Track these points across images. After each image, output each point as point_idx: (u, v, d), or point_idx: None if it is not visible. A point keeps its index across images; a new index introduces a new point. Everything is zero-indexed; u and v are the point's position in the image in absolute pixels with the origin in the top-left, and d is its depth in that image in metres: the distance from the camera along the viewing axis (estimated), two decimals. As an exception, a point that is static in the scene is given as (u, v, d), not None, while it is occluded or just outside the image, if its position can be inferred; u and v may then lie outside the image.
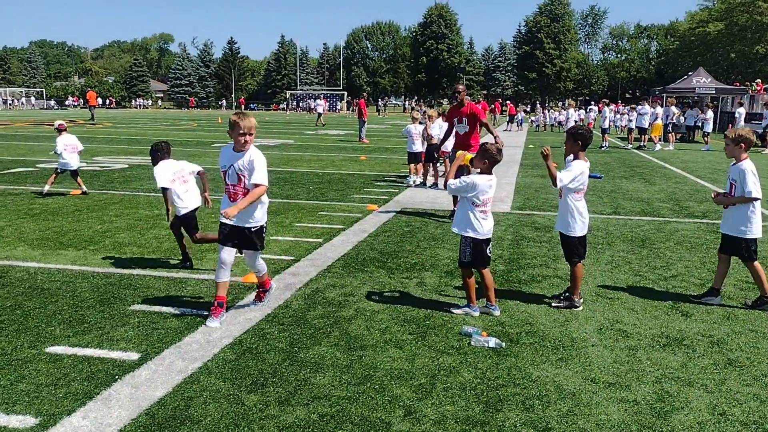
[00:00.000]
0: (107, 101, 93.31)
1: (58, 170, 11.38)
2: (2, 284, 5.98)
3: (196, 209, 6.66)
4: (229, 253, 5.16)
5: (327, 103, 44.79)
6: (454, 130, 10.09)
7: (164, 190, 6.51)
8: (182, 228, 6.67)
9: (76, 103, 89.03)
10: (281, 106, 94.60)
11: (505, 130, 37.96)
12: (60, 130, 11.46)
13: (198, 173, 6.88)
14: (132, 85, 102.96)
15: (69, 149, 11.40)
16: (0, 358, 4.32)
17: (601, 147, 25.02)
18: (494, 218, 9.64)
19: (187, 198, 6.57)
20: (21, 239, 7.79)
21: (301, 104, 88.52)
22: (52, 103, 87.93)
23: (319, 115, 42.96)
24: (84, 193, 11.37)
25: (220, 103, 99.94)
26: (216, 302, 5.15)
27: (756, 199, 5.65)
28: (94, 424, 3.50)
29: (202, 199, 6.75)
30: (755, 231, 5.72)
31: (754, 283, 5.89)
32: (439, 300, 5.82)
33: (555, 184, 5.50)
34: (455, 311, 5.47)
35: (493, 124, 40.75)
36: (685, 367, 4.42)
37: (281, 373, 4.21)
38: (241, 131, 4.96)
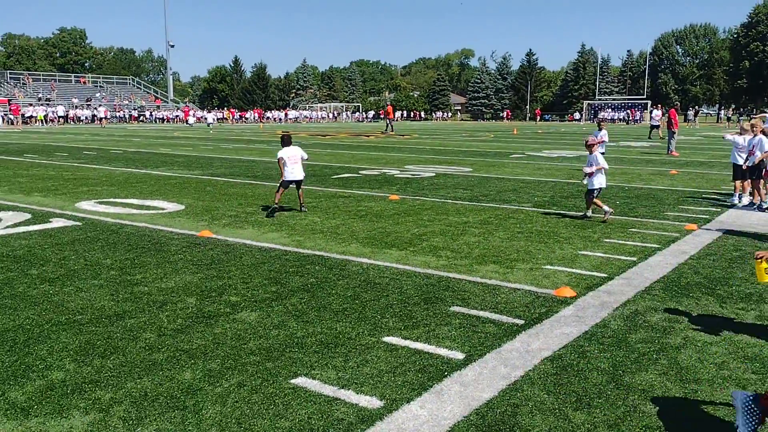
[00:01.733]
0: (410, 114, 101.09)
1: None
2: (342, 276, 6.80)
3: (297, 181, 10.64)
4: None
5: (662, 114, 39.90)
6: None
7: (279, 159, 10.49)
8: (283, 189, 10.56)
9: (382, 116, 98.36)
10: (575, 116, 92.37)
11: None
12: (590, 146, 10.39)
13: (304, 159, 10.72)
14: (434, 98, 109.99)
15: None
16: (347, 342, 4.90)
17: None
18: None
19: (293, 171, 10.51)
20: (353, 237, 8.79)
21: (599, 114, 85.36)
22: (371, 114, 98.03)
23: (653, 127, 36.77)
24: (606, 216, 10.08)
25: (501, 114, 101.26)
26: None
27: None
28: (430, 414, 3.76)
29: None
30: None
31: None
32: (788, 339, 5.05)
33: None
34: None
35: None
36: None
37: (607, 395, 4.04)
38: None
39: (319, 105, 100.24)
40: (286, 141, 10.67)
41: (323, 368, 4.39)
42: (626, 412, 3.82)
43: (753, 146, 11.82)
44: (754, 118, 13.12)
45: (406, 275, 6.85)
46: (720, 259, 7.72)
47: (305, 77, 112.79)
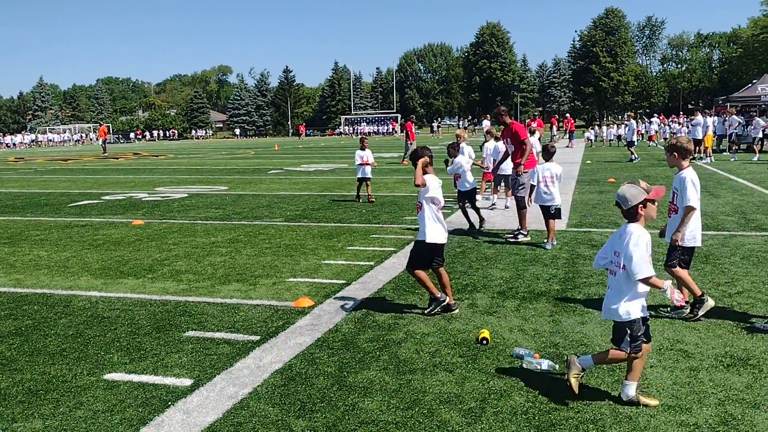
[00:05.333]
0: (168, 133, 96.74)
1: None
2: (65, 313, 6.21)
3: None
4: None
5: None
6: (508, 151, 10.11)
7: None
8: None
9: (140, 137, 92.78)
10: (337, 131, 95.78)
11: (566, 146, 37.33)
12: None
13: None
14: (193, 116, 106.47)
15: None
16: (60, 385, 4.47)
17: (631, 160, 24.74)
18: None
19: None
20: (84, 269, 8.10)
21: (356, 129, 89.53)
22: (120, 137, 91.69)
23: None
24: None
25: (235, 132, 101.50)
26: None
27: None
28: (146, 449, 3.57)
29: None
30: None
31: None
32: (491, 321, 5.72)
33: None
34: None
35: (552, 140, 40.25)
36: (751, 388, 4.19)
37: (329, 397, 4.21)
38: None
39: (63, 126, 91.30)
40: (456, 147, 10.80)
41: (28, 419, 3.94)
42: (345, 411, 4.00)
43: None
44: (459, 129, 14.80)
45: (140, 304, 6.47)
46: (445, 255, 8.48)
47: (43, 97, 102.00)
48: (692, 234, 5.72)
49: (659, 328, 5.43)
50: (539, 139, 17.89)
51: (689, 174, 5.65)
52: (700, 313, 5.61)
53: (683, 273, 5.73)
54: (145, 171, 26.69)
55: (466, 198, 10.53)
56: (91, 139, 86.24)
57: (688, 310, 5.69)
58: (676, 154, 5.72)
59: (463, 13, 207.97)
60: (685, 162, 5.72)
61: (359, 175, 14.43)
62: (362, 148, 14.53)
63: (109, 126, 66.63)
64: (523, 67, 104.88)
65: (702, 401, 4.02)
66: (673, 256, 5.75)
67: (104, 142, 45.90)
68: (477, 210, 10.48)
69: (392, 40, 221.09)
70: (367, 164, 14.23)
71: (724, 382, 4.30)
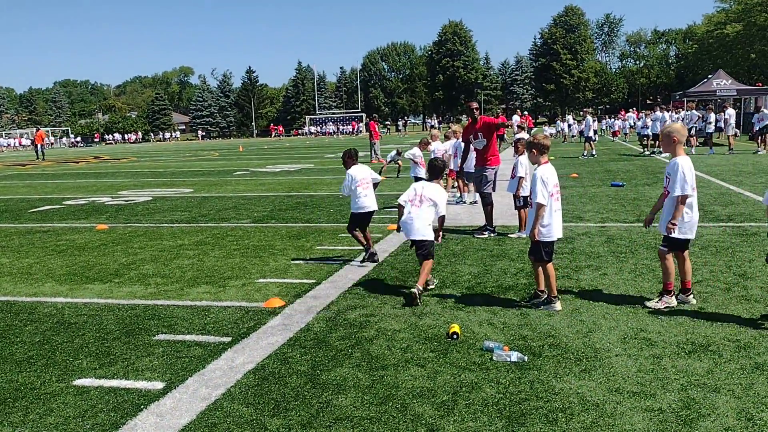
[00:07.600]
0: (126, 136, 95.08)
1: None
2: (31, 320, 6.11)
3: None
4: None
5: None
6: (472, 147, 10.15)
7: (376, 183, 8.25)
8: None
9: (98, 140, 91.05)
10: (302, 131, 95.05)
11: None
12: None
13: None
14: (155, 119, 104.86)
15: None
16: (29, 393, 4.41)
17: (584, 155, 25.35)
18: (513, 231, 9.65)
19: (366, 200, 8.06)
20: (49, 275, 7.96)
21: (321, 128, 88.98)
22: (78, 139, 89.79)
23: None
24: None
25: (197, 134, 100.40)
26: None
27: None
28: (120, 454, 3.55)
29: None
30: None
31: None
32: (461, 316, 5.80)
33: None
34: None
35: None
36: (712, 373, 4.35)
37: (303, 396, 4.23)
38: None
39: (19, 131, 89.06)
40: (354, 156, 8.39)
41: (-5, 428, 3.89)
42: (319, 409, 4.04)
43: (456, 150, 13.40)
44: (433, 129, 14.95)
45: (107, 309, 6.40)
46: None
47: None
48: (547, 229, 5.90)
49: (623, 317, 5.58)
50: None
51: (540, 171, 5.90)
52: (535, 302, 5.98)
53: (542, 268, 5.95)
54: (107, 175, 26.23)
55: (356, 223, 8.15)
56: (51, 144, 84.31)
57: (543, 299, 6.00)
58: (534, 150, 6.03)
59: (426, 12, 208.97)
60: (543, 158, 6.01)
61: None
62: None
63: (67, 130, 64.82)
64: (485, 65, 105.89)
65: (665, 387, 4.16)
66: (535, 250, 5.95)
67: (41, 147, 44.28)
68: (368, 240, 8.16)
69: (355, 39, 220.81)
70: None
71: (686, 368, 4.45)
